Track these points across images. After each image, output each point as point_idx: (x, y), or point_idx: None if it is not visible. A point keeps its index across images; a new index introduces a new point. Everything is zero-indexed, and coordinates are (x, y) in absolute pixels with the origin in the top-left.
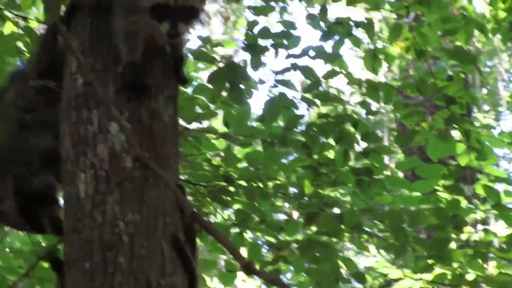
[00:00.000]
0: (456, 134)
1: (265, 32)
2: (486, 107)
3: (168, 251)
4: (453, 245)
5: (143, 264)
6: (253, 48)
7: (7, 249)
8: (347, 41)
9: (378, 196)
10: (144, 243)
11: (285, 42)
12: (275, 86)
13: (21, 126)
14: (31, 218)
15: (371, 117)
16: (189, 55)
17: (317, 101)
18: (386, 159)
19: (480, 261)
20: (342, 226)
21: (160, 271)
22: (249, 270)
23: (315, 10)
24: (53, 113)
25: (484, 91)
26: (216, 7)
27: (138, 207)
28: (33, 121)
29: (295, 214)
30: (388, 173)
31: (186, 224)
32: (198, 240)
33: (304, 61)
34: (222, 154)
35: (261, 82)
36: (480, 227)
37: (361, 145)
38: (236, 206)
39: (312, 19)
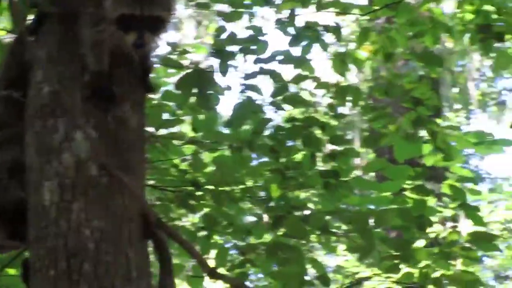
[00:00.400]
0: (424, 134)
1: (233, 38)
2: (457, 106)
3: (133, 257)
4: (421, 244)
5: (108, 270)
6: (221, 53)
7: None
8: (317, 45)
9: (346, 198)
10: (109, 250)
11: (253, 47)
12: (243, 91)
13: None
14: (8, 230)
15: (342, 119)
16: (158, 61)
17: (287, 105)
18: (357, 160)
19: (446, 260)
20: (309, 228)
21: (126, 277)
22: (213, 275)
23: (284, 15)
24: (22, 125)
25: (456, 90)
26: (189, 11)
27: (104, 214)
28: (2, 137)
29: (266, 217)
30: (358, 173)
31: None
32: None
33: (273, 66)
34: (190, 159)
35: (229, 88)
36: (449, 225)
37: (329, 148)
38: (204, 210)
39: (281, 24)
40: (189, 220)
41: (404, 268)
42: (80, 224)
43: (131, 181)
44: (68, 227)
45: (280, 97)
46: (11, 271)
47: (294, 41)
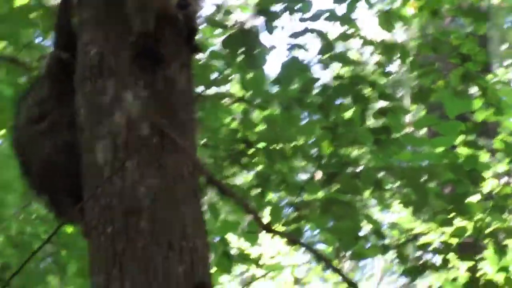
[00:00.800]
0: (474, 90)
1: None
2: (507, 62)
3: (188, 214)
4: (475, 198)
5: (164, 227)
6: (265, 13)
7: (33, 216)
8: (362, 3)
9: (397, 154)
10: (164, 207)
11: (297, 6)
12: (290, 50)
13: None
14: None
15: (390, 77)
16: (203, 21)
17: (334, 64)
18: (408, 117)
19: (500, 213)
20: (361, 185)
21: (182, 234)
22: (269, 230)
23: None
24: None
25: (505, 46)
26: None
27: (157, 173)
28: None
29: (319, 174)
30: (409, 130)
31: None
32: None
33: (318, 25)
34: (240, 118)
35: (274, 47)
36: (503, 179)
37: (378, 105)
38: (256, 168)
39: None
40: (243, 179)
41: (459, 222)
42: (134, 182)
43: (183, 140)
44: (123, 186)
45: (326, 56)
46: (69, 230)
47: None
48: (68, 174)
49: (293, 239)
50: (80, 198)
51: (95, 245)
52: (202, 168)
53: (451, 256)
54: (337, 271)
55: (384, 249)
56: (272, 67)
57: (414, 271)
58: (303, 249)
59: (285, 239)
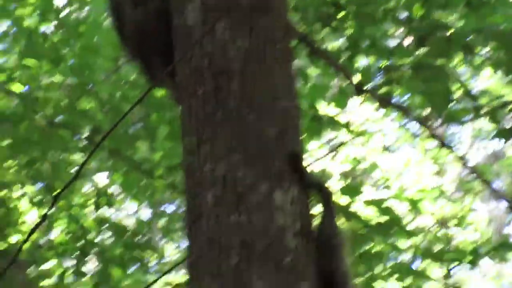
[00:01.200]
0: None
1: None
2: None
3: (279, 77)
4: None
5: (255, 89)
6: None
7: (123, 81)
8: None
9: (489, 17)
10: (255, 69)
11: None
12: None
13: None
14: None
15: None
16: None
17: None
18: None
19: None
20: (452, 50)
21: (273, 96)
22: (360, 90)
23: None
24: None
25: None
26: None
27: (248, 35)
28: None
29: (409, 40)
30: None
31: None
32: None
33: None
34: None
35: None
36: None
37: None
38: (346, 32)
39: None
40: (332, 44)
41: None
42: (225, 44)
43: (274, 1)
44: (213, 47)
45: None
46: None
47: None
48: (160, 39)
49: (385, 99)
50: (172, 62)
51: (186, 108)
52: (294, 29)
53: None
54: (430, 131)
55: (476, 111)
56: None
57: (506, 133)
58: (392, 115)
59: (376, 101)
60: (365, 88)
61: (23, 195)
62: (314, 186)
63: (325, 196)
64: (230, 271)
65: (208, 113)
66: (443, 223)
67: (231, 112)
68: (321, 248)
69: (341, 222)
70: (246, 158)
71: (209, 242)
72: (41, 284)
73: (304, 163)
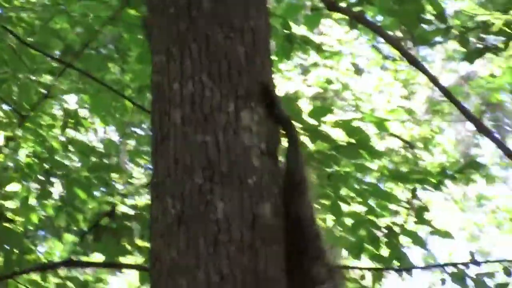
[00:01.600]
0: None
1: None
2: None
3: None
4: None
5: (227, 7)
6: None
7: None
8: None
9: None
10: None
11: None
12: None
13: None
14: None
15: None
16: None
17: None
18: None
19: None
20: None
21: (244, 14)
22: (333, 5)
23: None
24: None
25: None
26: None
27: None
28: None
29: None
30: None
31: None
32: None
33: None
34: None
35: None
36: None
37: None
38: None
39: None
40: None
41: None
42: None
43: None
44: None
45: None
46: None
47: None
48: None
49: (357, 15)
50: None
51: (156, 26)
52: None
53: None
54: (397, 47)
55: (447, 32)
56: None
57: (474, 55)
58: (363, 38)
59: (349, 17)
60: (337, 4)
61: None
62: (282, 120)
63: (292, 132)
64: (194, 192)
65: (178, 31)
66: (410, 144)
67: (201, 31)
68: (285, 185)
69: (309, 143)
70: (214, 77)
71: (175, 162)
72: (6, 205)
73: (275, 90)
